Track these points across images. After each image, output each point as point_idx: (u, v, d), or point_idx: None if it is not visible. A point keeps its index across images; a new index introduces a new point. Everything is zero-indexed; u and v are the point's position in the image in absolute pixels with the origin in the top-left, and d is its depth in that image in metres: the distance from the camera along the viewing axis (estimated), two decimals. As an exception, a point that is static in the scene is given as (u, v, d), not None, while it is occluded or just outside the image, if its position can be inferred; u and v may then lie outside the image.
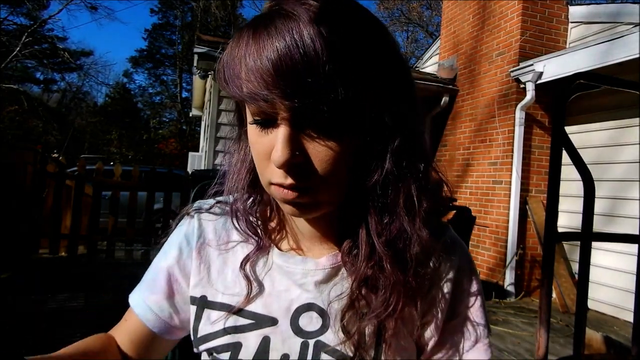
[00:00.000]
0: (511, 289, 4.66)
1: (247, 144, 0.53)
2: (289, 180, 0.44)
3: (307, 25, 0.41)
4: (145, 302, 0.58)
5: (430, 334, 0.55)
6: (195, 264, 0.58)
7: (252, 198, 0.58)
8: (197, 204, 0.62)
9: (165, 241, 0.61)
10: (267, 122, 0.45)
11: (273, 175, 0.46)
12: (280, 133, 0.43)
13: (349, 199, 0.49)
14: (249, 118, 0.47)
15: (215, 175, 0.62)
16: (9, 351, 2.49)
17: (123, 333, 0.59)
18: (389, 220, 0.48)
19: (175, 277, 0.59)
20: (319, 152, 0.44)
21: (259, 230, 0.57)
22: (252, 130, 0.47)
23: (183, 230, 0.60)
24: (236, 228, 0.57)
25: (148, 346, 0.59)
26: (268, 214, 0.59)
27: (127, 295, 0.61)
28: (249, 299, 0.54)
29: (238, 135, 0.57)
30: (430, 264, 0.53)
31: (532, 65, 4.49)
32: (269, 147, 0.45)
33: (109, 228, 5.37)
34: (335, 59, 0.40)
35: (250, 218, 0.57)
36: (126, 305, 0.60)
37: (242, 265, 0.55)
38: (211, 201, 0.62)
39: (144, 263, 5.55)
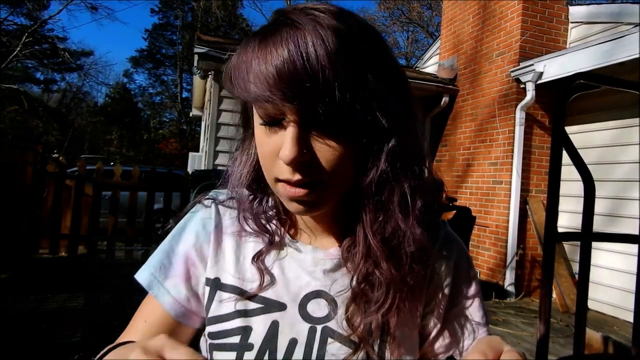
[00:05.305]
0: (511, 289, 4.66)
1: (252, 146, 0.57)
2: (297, 177, 0.47)
3: (311, 34, 0.44)
4: (163, 286, 0.58)
5: (432, 323, 0.58)
6: (213, 247, 0.60)
7: (258, 198, 0.60)
8: (212, 193, 0.64)
9: (173, 226, 0.62)
10: (274, 123, 0.48)
11: (281, 172, 0.48)
12: (289, 132, 0.46)
13: (350, 195, 0.52)
14: (257, 120, 0.50)
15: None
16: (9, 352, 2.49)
17: (147, 330, 0.57)
18: (383, 218, 0.51)
19: (192, 261, 0.60)
20: (323, 150, 0.47)
21: (269, 227, 0.59)
22: (261, 130, 0.50)
23: (200, 216, 0.61)
24: (245, 230, 0.59)
25: (171, 334, 0.56)
26: (280, 207, 0.61)
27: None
28: (260, 288, 0.56)
29: (243, 138, 0.60)
30: (428, 258, 0.56)
31: (532, 65, 4.49)
32: (276, 146, 0.48)
33: (109, 228, 5.37)
34: (335, 66, 0.43)
35: (261, 215, 0.59)
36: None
37: (255, 259, 0.57)
38: (225, 191, 0.63)
39: (144, 263, 5.55)
